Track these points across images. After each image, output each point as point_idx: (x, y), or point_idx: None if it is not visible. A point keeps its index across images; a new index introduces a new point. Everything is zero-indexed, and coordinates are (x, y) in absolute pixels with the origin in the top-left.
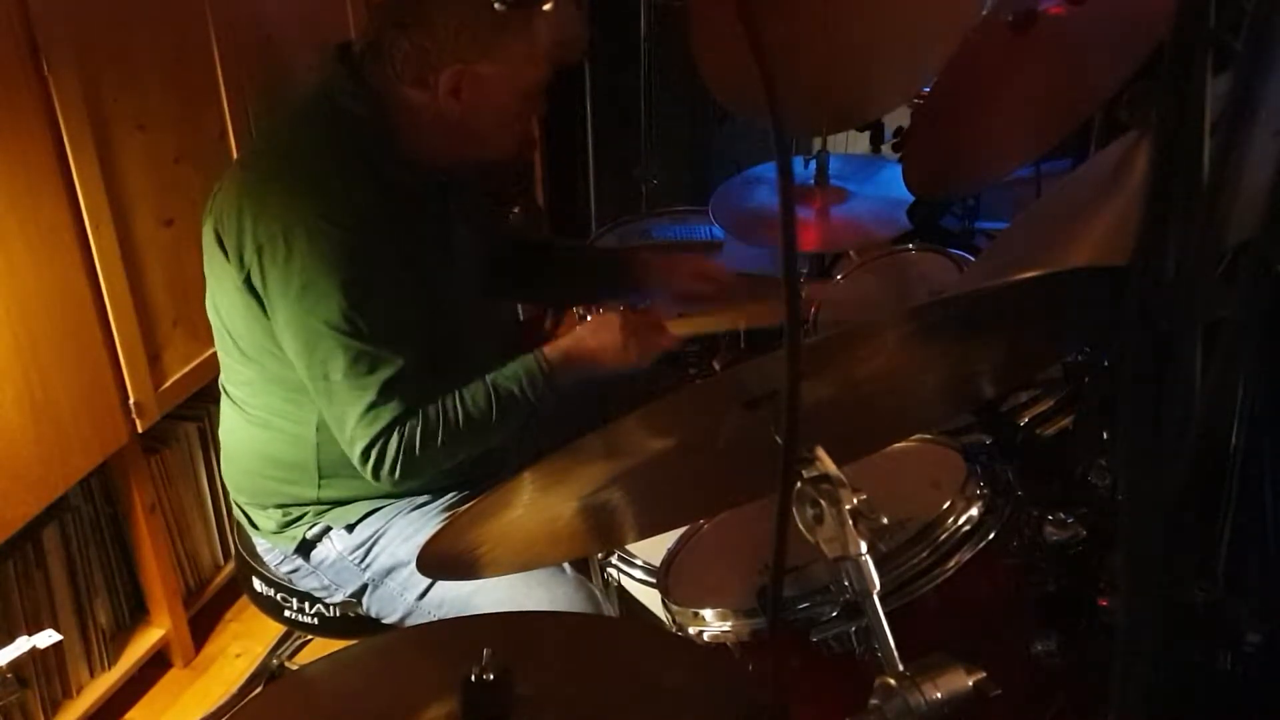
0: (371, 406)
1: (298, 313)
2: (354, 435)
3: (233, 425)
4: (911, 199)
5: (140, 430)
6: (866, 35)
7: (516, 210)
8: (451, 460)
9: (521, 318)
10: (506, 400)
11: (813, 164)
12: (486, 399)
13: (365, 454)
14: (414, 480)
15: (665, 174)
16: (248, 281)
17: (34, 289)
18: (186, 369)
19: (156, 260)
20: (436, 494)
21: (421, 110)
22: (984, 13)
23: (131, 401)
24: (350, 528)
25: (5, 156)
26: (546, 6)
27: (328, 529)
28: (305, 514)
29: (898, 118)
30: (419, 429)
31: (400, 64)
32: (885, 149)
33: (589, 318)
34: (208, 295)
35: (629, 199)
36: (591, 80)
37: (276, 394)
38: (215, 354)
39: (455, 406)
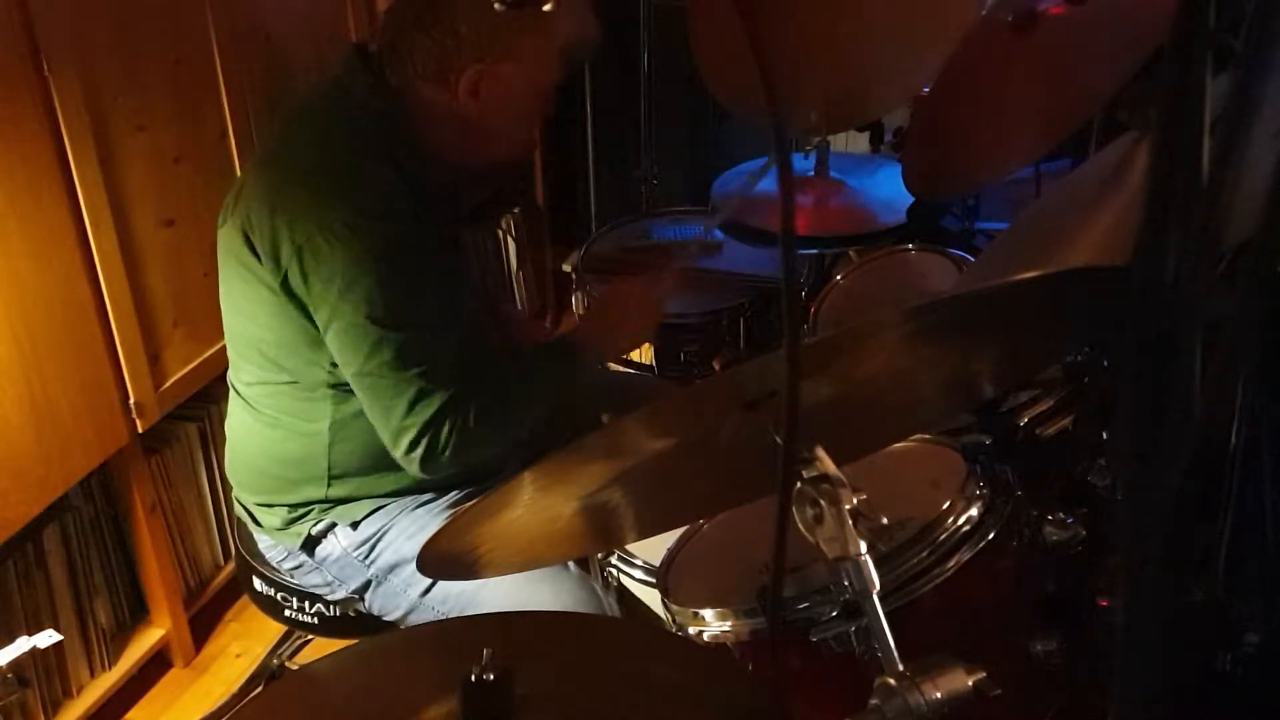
0: (420, 396)
1: (343, 310)
2: (403, 426)
3: (242, 423)
4: (911, 199)
5: (140, 430)
6: (866, 35)
7: (517, 210)
8: (498, 446)
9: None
10: (544, 385)
11: (813, 155)
12: (526, 384)
13: (416, 443)
14: (464, 464)
15: (665, 174)
16: (284, 284)
17: (34, 289)
18: (187, 369)
19: (156, 260)
20: (441, 491)
21: (439, 110)
22: (984, 13)
23: (132, 401)
24: (355, 524)
25: (5, 156)
26: (547, 7)
27: (332, 525)
28: (311, 511)
29: (898, 118)
30: (470, 415)
31: (420, 63)
32: (885, 148)
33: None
34: (224, 295)
35: (629, 199)
36: (591, 80)
37: (290, 394)
38: (215, 354)
39: (502, 392)
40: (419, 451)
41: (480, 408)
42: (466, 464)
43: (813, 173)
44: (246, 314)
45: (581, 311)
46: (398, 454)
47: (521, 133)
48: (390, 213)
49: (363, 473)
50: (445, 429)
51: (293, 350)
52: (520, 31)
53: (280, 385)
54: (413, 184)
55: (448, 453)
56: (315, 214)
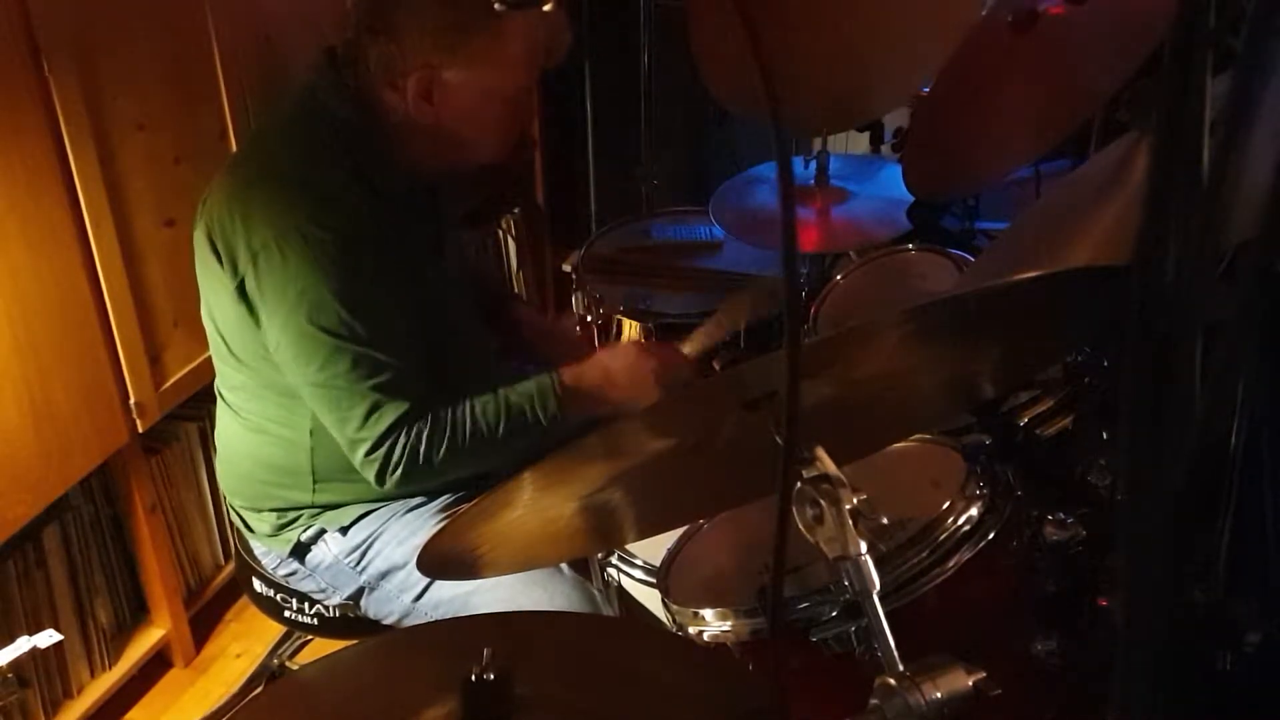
0: (375, 407)
1: (295, 319)
2: (358, 438)
3: (228, 429)
4: (912, 199)
5: (140, 430)
6: (866, 35)
7: (516, 210)
8: (456, 471)
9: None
10: (516, 418)
11: (813, 164)
12: (496, 413)
13: (370, 455)
14: (416, 485)
15: (665, 174)
16: (241, 289)
17: (34, 289)
18: (187, 369)
19: (156, 260)
20: (432, 496)
21: (399, 116)
22: (984, 13)
23: (132, 401)
24: (344, 530)
25: (5, 156)
26: (547, 7)
27: (322, 531)
28: (299, 517)
29: (898, 118)
30: (425, 431)
31: (373, 68)
32: (885, 149)
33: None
34: (202, 300)
35: (629, 199)
36: (591, 80)
37: (270, 399)
38: None
39: (464, 415)
40: (376, 463)
41: (441, 429)
42: (424, 482)
43: (813, 182)
44: (218, 319)
45: (589, 344)
46: (356, 463)
47: (494, 138)
48: (347, 223)
49: (348, 478)
50: (400, 445)
51: (257, 354)
52: (467, 36)
53: (260, 390)
54: (378, 190)
55: (400, 470)
56: (272, 221)
